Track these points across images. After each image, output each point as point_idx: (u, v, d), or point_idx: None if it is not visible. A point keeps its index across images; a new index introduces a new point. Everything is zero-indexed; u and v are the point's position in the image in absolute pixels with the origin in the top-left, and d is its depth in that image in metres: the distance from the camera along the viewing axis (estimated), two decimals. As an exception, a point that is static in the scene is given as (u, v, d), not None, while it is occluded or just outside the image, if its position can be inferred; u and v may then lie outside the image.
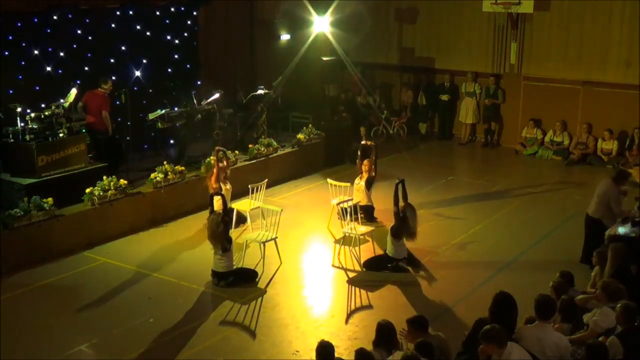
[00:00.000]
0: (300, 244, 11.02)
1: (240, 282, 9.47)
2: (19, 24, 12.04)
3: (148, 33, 14.06)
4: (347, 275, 9.89)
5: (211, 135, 13.69)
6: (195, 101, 13.53)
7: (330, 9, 15.50)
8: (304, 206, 12.70)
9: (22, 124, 11.04)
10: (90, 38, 13.06)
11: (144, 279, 9.78)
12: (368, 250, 10.42)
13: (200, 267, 9.80)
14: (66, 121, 11.43)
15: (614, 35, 15.22)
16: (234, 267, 9.57)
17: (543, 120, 16.30)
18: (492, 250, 10.72)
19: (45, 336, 8.23)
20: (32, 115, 11.04)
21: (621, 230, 9.21)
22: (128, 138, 12.73)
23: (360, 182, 11.77)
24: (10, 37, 12.00)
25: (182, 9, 14.71)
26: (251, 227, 11.09)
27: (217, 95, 13.80)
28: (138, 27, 13.92)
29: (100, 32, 13.21)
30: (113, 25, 13.47)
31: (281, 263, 10.15)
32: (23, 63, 12.19)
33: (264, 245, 10.05)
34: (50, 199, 10.39)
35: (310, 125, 15.11)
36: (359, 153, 12.16)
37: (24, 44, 12.16)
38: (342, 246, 10.50)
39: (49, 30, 12.51)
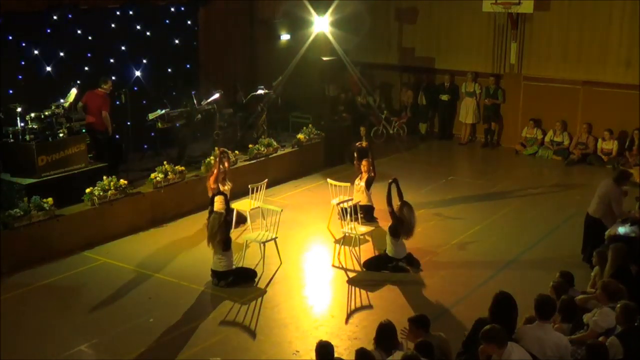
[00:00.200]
0: (300, 244, 11.02)
1: (240, 282, 9.48)
2: (19, 24, 12.04)
3: (148, 33, 14.07)
4: (347, 275, 9.89)
5: (211, 135, 13.70)
6: (195, 101, 13.53)
7: (330, 9, 15.49)
8: (304, 206, 12.70)
9: (22, 124, 11.04)
10: (90, 38, 13.06)
11: (144, 279, 9.78)
12: (368, 250, 10.43)
13: (200, 267, 9.80)
14: (66, 121, 11.43)
15: (614, 35, 15.22)
16: (234, 266, 9.56)
17: (543, 120, 16.31)
18: (492, 250, 10.72)
19: (45, 336, 8.23)
20: (32, 115, 11.04)
21: (621, 230, 9.21)
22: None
23: (360, 183, 11.77)
24: (10, 37, 12.01)
25: (182, 9, 14.72)
26: (251, 227, 11.09)
27: (217, 95, 13.80)
28: (138, 27, 13.93)
29: (100, 32, 13.21)
30: (113, 25, 13.48)
31: (281, 263, 10.15)
32: (23, 63, 12.20)
33: (264, 245, 10.05)
34: (50, 199, 10.40)
35: (310, 125, 15.11)
36: (355, 155, 12.17)
37: (24, 44, 12.17)
38: (342, 246, 10.50)
39: (49, 30, 12.52)
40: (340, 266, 10.17)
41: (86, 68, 13.05)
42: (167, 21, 14.49)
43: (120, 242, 11.02)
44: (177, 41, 14.71)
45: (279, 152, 14.23)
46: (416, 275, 9.84)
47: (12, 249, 9.88)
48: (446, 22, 17.28)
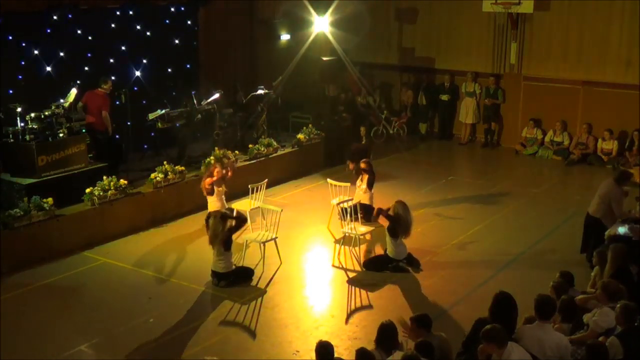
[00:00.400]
0: (300, 244, 11.02)
1: (240, 282, 9.48)
2: (19, 24, 12.04)
3: (148, 33, 14.07)
4: (347, 275, 9.89)
5: (211, 135, 13.70)
6: (195, 101, 13.53)
7: (330, 9, 15.49)
8: (304, 206, 12.70)
9: (22, 124, 11.04)
10: (90, 38, 13.07)
11: (144, 279, 9.78)
12: (368, 250, 10.42)
13: (200, 267, 9.80)
14: (66, 121, 11.43)
15: (614, 35, 15.22)
16: (233, 267, 9.56)
17: (543, 120, 16.30)
18: (492, 250, 10.72)
19: (45, 336, 8.23)
20: (32, 115, 11.04)
21: (621, 230, 9.21)
22: (128, 138, 12.75)
23: (362, 185, 11.74)
24: (10, 37, 12.01)
25: (182, 9, 14.72)
26: (251, 227, 11.09)
27: (217, 95, 13.80)
28: (138, 27, 13.93)
29: (100, 32, 13.22)
30: (113, 25, 13.48)
31: (281, 263, 10.15)
32: (23, 63, 12.20)
33: (264, 245, 10.05)
34: (50, 199, 10.39)
35: (310, 125, 15.11)
36: (353, 157, 12.10)
37: (24, 44, 12.17)
38: (342, 246, 10.50)
39: (49, 30, 12.52)
40: (340, 266, 10.17)
41: (86, 68, 13.06)
42: (167, 21, 14.50)
43: (120, 242, 11.02)
44: (177, 41, 14.71)
45: (279, 152, 14.23)
46: (416, 275, 9.83)
47: (12, 249, 9.87)
48: (446, 22, 17.28)
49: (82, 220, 10.82)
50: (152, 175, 11.88)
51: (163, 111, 12.95)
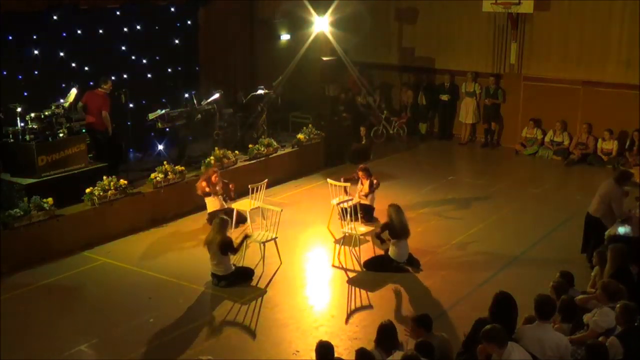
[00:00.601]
0: (300, 244, 11.02)
1: (240, 282, 9.48)
2: (19, 24, 12.04)
3: (148, 33, 14.06)
4: (347, 275, 9.89)
5: (211, 135, 13.70)
6: (195, 101, 13.54)
7: (330, 9, 15.49)
8: (304, 206, 12.69)
9: (22, 124, 11.04)
10: (90, 38, 13.06)
11: (144, 279, 9.78)
12: (368, 250, 10.42)
13: (200, 267, 9.80)
14: (66, 121, 11.43)
15: (614, 35, 15.21)
16: (233, 268, 9.55)
17: (543, 120, 16.30)
18: (492, 250, 10.71)
19: (45, 336, 8.23)
20: (32, 115, 11.04)
21: (621, 230, 9.21)
22: (128, 138, 12.76)
23: (363, 188, 11.68)
24: (10, 37, 12.01)
25: (182, 9, 14.71)
26: (251, 227, 11.09)
27: (217, 95, 13.81)
28: (138, 27, 13.93)
29: (100, 32, 13.21)
30: (113, 25, 13.47)
31: (281, 263, 10.15)
32: (23, 63, 12.19)
33: (264, 245, 10.05)
34: (50, 199, 10.39)
35: (310, 125, 15.11)
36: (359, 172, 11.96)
37: (24, 44, 12.16)
38: (342, 246, 10.50)
39: (49, 31, 12.51)
40: (340, 266, 10.17)
41: (86, 68, 13.06)
42: (167, 21, 14.49)
43: (120, 242, 11.02)
44: (177, 41, 14.71)
45: (279, 152, 14.23)
46: (416, 275, 9.83)
47: (12, 249, 9.87)
48: (446, 22, 17.27)
49: (82, 220, 10.82)
50: (152, 175, 11.87)
51: (163, 111, 12.95)
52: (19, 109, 11.05)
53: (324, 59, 15.65)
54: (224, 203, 11.56)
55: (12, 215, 9.96)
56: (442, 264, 10.21)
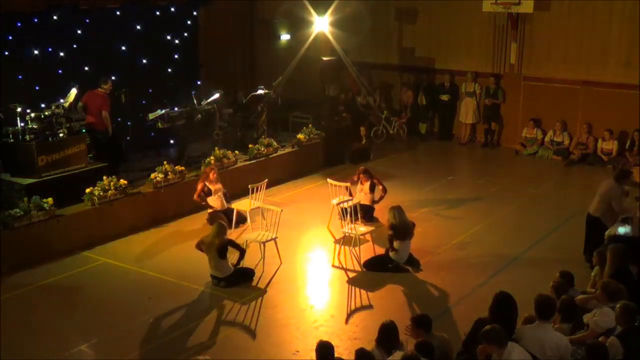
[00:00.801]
0: (300, 244, 11.02)
1: (240, 282, 9.48)
2: (19, 24, 12.05)
3: (148, 33, 14.06)
4: (347, 275, 9.89)
5: (211, 135, 13.70)
6: (195, 101, 13.53)
7: (330, 9, 15.49)
8: (304, 206, 12.69)
9: (22, 124, 11.05)
10: (90, 38, 13.06)
11: (144, 279, 9.78)
12: (368, 250, 10.42)
13: (200, 267, 9.79)
14: (66, 121, 11.43)
15: (614, 35, 15.21)
16: (232, 269, 9.55)
17: (543, 120, 16.30)
18: (492, 250, 10.72)
19: (45, 336, 8.23)
20: (32, 115, 11.05)
21: (621, 230, 9.20)
22: (128, 138, 12.75)
23: (363, 188, 11.69)
24: (10, 37, 12.01)
25: (182, 9, 14.71)
26: (251, 227, 11.09)
27: (217, 95, 13.80)
28: (138, 27, 13.93)
29: (100, 32, 13.21)
30: (113, 25, 13.47)
31: (281, 263, 10.15)
32: (23, 63, 12.19)
33: (264, 245, 10.05)
34: (50, 199, 10.39)
35: (310, 125, 15.11)
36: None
37: (24, 44, 12.16)
38: (342, 246, 10.50)
39: (49, 30, 12.51)
40: (340, 266, 10.17)
41: (86, 68, 13.06)
42: (167, 21, 14.48)
43: (120, 242, 11.02)
44: (177, 41, 14.71)
45: (279, 152, 14.23)
46: (416, 275, 9.84)
47: (12, 249, 9.87)
48: (446, 22, 17.27)
49: (82, 220, 10.82)
50: (152, 175, 11.87)
51: (163, 111, 12.95)
52: (19, 109, 11.05)
53: (324, 59, 15.65)
54: (225, 203, 11.56)
55: (12, 215, 9.96)
56: (442, 264, 10.21)
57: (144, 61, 13.98)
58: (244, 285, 9.46)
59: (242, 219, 11.55)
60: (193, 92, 13.78)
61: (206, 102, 13.69)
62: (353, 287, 9.53)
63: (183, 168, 12.36)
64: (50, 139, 11.08)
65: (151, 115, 12.92)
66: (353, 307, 8.99)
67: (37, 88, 12.29)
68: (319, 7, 15.55)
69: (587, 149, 15.48)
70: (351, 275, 9.90)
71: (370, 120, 17.31)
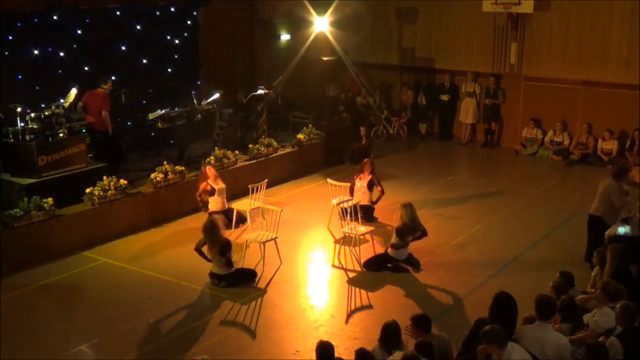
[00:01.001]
0: (300, 244, 11.02)
1: (240, 282, 9.48)
2: (19, 24, 12.05)
3: (148, 33, 14.06)
4: (347, 275, 9.89)
5: (211, 135, 13.70)
6: (195, 101, 13.54)
7: (330, 9, 15.48)
8: (304, 206, 12.70)
9: (22, 124, 11.04)
10: (90, 38, 13.06)
11: (144, 279, 9.78)
12: (368, 250, 10.42)
13: (200, 267, 9.79)
14: (66, 121, 11.43)
15: (614, 35, 15.22)
16: (234, 268, 9.55)
17: (543, 120, 16.30)
18: (492, 250, 10.72)
19: (45, 336, 8.23)
20: (32, 115, 11.04)
21: (621, 230, 9.20)
22: (128, 138, 12.75)
23: (362, 185, 11.72)
24: (10, 37, 12.01)
25: (182, 9, 14.71)
26: (251, 227, 11.09)
27: (217, 95, 13.81)
28: (138, 27, 13.93)
29: (100, 32, 13.21)
30: (113, 25, 13.47)
31: (281, 263, 10.15)
32: (23, 63, 12.19)
33: (264, 245, 10.05)
34: (50, 199, 10.39)
35: (310, 125, 15.11)
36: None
37: (24, 44, 12.16)
38: (342, 246, 10.50)
39: (49, 30, 12.51)
40: (340, 266, 10.17)
41: (86, 68, 13.06)
42: (167, 21, 14.48)
43: (120, 242, 11.02)
44: (177, 41, 14.71)
45: (279, 152, 14.23)
46: (416, 275, 9.83)
47: (12, 249, 9.87)
48: (446, 22, 17.27)
49: (82, 220, 10.81)
50: (152, 175, 11.87)
51: (163, 111, 12.95)
52: (19, 109, 11.05)
53: (324, 59, 15.65)
54: (226, 203, 11.56)
55: (12, 215, 9.96)
56: (442, 264, 10.21)
57: (144, 61, 13.98)
58: (244, 286, 9.46)
59: (242, 219, 11.55)
60: (193, 92, 13.79)
61: (206, 102, 13.70)
62: (353, 287, 9.53)
63: (183, 168, 12.36)
64: (50, 139, 11.08)
65: (151, 115, 12.92)
66: (353, 307, 8.99)
67: (37, 88, 12.28)
68: (319, 7, 15.55)
69: (587, 149, 15.48)
70: (351, 275, 9.90)
71: (370, 120, 17.31)
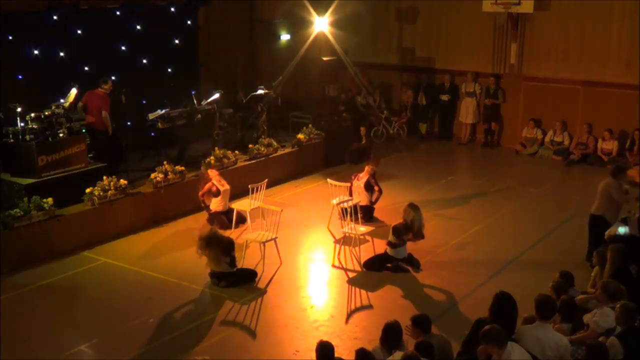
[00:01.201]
0: (300, 244, 11.02)
1: (240, 282, 9.48)
2: (19, 24, 12.04)
3: (148, 33, 14.06)
4: (347, 275, 9.89)
5: (211, 135, 13.70)
6: (195, 101, 13.53)
7: (330, 9, 15.47)
8: (304, 206, 12.70)
9: (22, 124, 11.04)
10: (90, 38, 13.06)
11: (144, 279, 9.78)
12: (368, 250, 10.42)
13: (200, 267, 9.77)
14: (66, 121, 11.43)
15: (614, 35, 15.22)
16: (235, 268, 9.56)
17: (543, 120, 16.30)
18: (492, 250, 10.72)
19: (45, 336, 8.23)
20: (32, 115, 11.03)
21: (621, 230, 9.20)
22: (128, 138, 12.75)
23: (358, 183, 11.74)
24: (10, 37, 12.00)
25: (182, 9, 14.71)
26: (251, 227, 11.09)
27: (217, 95, 13.80)
28: (138, 27, 13.93)
29: (100, 32, 13.21)
30: (113, 25, 13.47)
31: (281, 263, 10.15)
32: (23, 63, 12.19)
33: (264, 245, 10.05)
34: (50, 199, 10.39)
35: (310, 125, 15.11)
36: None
37: (24, 44, 12.16)
38: (342, 246, 10.50)
39: (49, 30, 12.51)
40: (340, 266, 10.17)
41: (86, 68, 13.05)
42: (167, 21, 14.48)
43: (120, 242, 11.02)
44: (177, 41, 14.71)
45: (279, 152, 14.23)
46: (416, 275, 9.83)
47: (12, 249, 9.87)
48: (446, 22, 17.28)
49: (82, 220, 10.81)
50: (152, 175, 11.87)
51: (163, 111, 12.95)
52: (19, 109, 11.04)
53: (324, 59, 15.64)
54: (228, 203, 11.56)
55: (12, 215, 9.96)
56: (442, 264, 10.21)
57: (144, 61, 13.97)
58: (244, 286, 9.46)
59: (242, 219, 11.55)
60: (193, 92, 13.78)
61: (206, 102, 13.69)
62: (353, 287, 9.53)
63: (183, 168, 12.36)
64: (50, 139, 11.08)
65: (151, 115, 12.92)
66: (353, 307, 8.99)
67: (37, 88, 12.27)
68: (319, 7, 15.54)
69: (587, 149, 15.48)
70: (351, 275, 9.90)
71: (370, 120, 17.31)
